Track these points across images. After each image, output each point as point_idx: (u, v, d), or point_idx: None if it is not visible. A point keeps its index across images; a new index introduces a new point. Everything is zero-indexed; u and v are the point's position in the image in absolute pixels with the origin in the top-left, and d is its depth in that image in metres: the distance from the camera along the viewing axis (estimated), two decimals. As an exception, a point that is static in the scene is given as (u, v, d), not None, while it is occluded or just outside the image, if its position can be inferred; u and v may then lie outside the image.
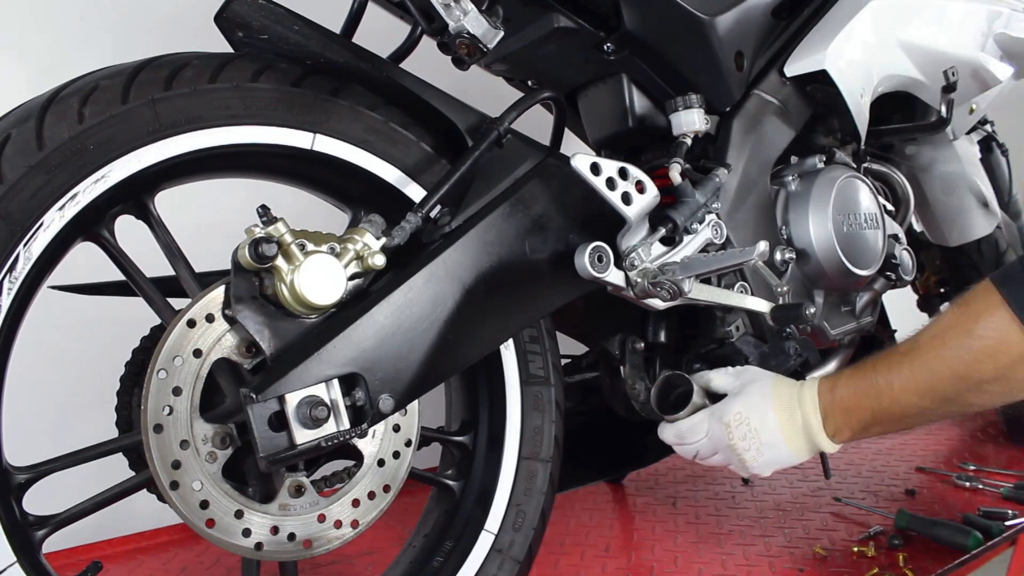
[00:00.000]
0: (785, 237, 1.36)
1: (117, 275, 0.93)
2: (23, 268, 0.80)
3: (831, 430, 1.06)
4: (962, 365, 0.96)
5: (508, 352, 1.11)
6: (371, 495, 0.98)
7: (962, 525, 1.42)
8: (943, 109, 1.43)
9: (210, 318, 0.87)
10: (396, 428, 1.00)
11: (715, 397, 1.17)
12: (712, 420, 1.11)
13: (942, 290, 2.12)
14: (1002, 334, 0.93)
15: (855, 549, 1.40)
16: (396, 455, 1.00)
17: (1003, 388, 0.97)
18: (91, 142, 0.83)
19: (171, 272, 0.94)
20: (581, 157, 1.06)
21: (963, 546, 1.36)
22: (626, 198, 1.09)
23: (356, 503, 0.97)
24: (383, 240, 0.93)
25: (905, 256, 1.51)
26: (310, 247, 0.88)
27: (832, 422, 1.06)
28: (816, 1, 1.43)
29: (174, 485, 0.84)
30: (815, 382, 1.09)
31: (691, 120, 1.20)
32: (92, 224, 0.87)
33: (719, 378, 1.16)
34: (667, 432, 1.16)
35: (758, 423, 1.08)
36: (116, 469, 0.94)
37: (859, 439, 1.10)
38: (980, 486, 1.70)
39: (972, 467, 1.81)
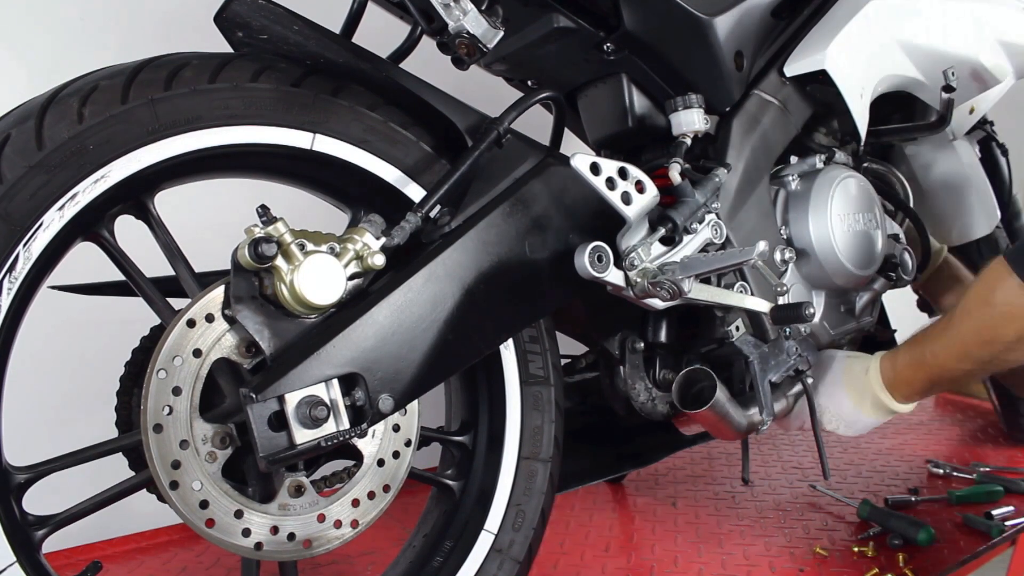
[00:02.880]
0: (785, 237, 1.36)
1: (117, 275, 0.94)
2: (23, 268, 0.80)
3: (900, 398, 1.29)
4: (988, 331, 1.14)
5: (508, 352, 1.11)
6: (371, 495, 0.98)
7: (915, 519, 1.43)
8: (943, 109, 1.43)
9: (210, 318, 0.87)
10: (396, 428, 1.00)
11: (736, 394, 1.23)
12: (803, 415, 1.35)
13: (942, 290, 2.12)
14: (1015, 300, 1.09)
15: (855, 549, 1.40)
16: (396, 455, 1.00)
17: None
18: (91, 142, 0.83)
19: (171, 272, 0.94)
20: (581, 157, 1.06)
21: (915, 540, 1.39)
22: (626, 198, 1.09)
23: (356, 503, 0.97)
24: (383, 240, 0.93)
25: (905, 256, 1.51)
26: (310, 247, 0.88)
27: (899, 392, 1.29)
28: (816, 1, 1.43)
29: (174, 485, 0.85)
30: (878, 361, 1.31)
31: (691, 120, 1.20)
32: (92, 224, 0.87)
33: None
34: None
35: (836, 408, 1.34)
36: (116, 469, 0.94)
37: (929, 396, 1.39)
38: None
39: (986, 468, 1.81)
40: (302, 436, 0.85)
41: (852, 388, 1.32)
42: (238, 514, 0.88)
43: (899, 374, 1.28)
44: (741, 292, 1.26)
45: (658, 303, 1.12)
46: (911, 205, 1.67)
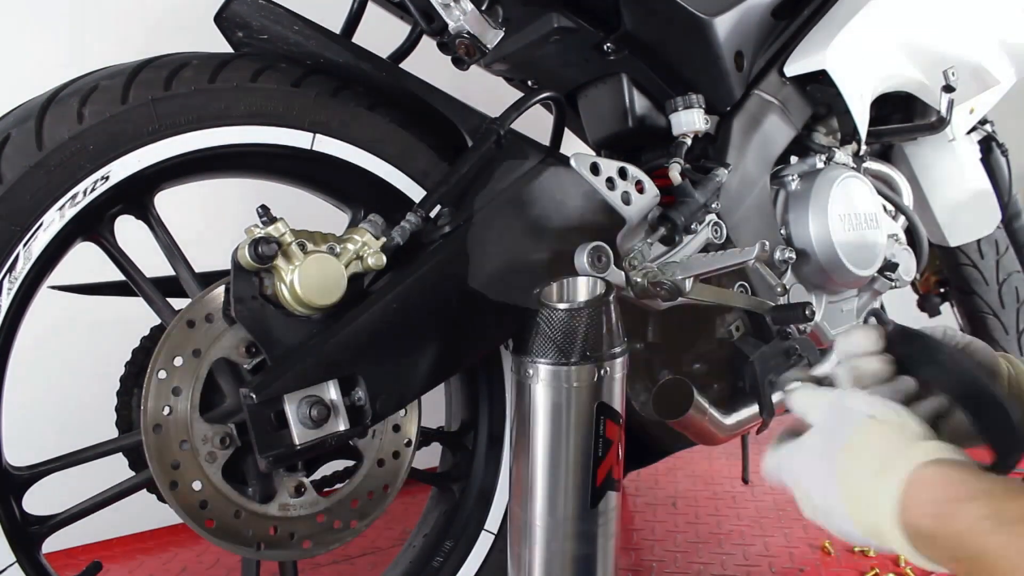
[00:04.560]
0: (785, 237, 1.36)
1: (117, 275, 0.94)
2: (23, 268, 0.80)
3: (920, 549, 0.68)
4: None
5: (508, 352, 1.11)
6: (371, 495, 0.98)
7: None
8: (943, 109, 1.43)
9: (210, 318, 0.87)
10: (396, 428, 1.00)
11: (720, 401, 1.17)
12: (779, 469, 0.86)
13: (942, 290, 2.12)
14: None
15: (855, 549, 1.40)
16: (396, 455, 1.00)
17: None
18: (91, 142, 0.83)
19: (171, 272, 0.94)
20: (581, 157, 1.06)
21: None
22: (626, 198, 1.09)
23: (356, 503, 0.97)
24: (383, 240, 0.93)
25: (905, 256, 1.51)
26: (310, 247, 0.88)
27: (919, 547, 0.67)
28: (816, 1, 1.43)
29: (174, 485, 0.85)
30: (906, 472, 0.68)
31: (691, 120, 1.20)
32: (92, 224, 0.88)
33: (801, 399, 0.84)
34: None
35: (821, 503, 0.80)
36: (116, 469, 0.94)
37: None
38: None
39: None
40: (302, 436, 0.85)
41: (850, 495, 0.75)
42: (238, 514, 0.88)
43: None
44: (741, 292, 1.26)
45: (658, 303, 1.12)
46: (911, 205, 1.67)
